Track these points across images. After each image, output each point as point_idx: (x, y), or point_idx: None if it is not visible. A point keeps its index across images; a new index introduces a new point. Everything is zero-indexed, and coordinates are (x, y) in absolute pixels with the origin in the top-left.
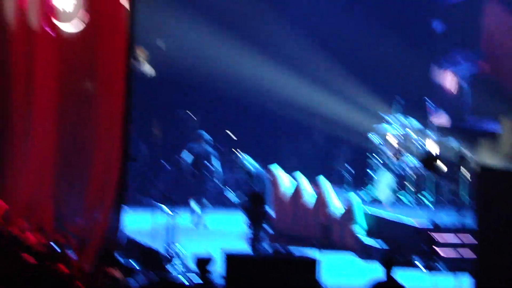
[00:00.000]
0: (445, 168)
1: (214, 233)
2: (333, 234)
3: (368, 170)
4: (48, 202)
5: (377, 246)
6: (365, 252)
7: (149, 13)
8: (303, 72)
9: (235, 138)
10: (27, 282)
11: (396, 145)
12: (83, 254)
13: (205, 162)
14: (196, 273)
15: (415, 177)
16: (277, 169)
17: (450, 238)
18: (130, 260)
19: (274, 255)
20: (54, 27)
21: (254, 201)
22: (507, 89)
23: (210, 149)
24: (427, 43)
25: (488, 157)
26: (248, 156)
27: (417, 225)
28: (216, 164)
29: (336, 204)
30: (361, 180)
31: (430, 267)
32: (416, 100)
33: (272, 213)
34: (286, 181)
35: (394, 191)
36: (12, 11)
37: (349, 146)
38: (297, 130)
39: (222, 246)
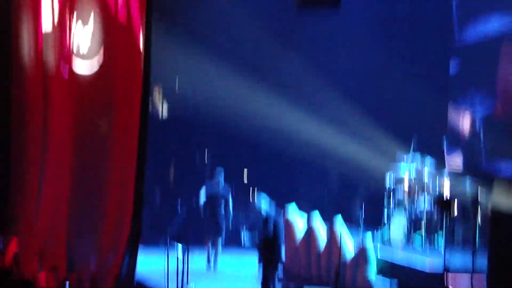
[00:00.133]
0: (459, 211)
1: (227, 275)
2: (345, 277)
3: (383, 209)
4: (61, 242)
5: None
6: None
7: (165, 53)
8: (320, 112)
9: (245, 181)
10: None
11: (411, 185)
12: None
13: (220, 202)
14: None
15: (429, 218)
16: (292, 209)
17: (462, 281)
18: None
19: None
20: (70, 68)
21: (268, 243)
22: None
23: (225, 189)
24: (444, 83)
25: (502, 201)
26: (264, 194)
27: (428, 270)
28: (231, 204)
29: (349, 247)
30: (376, 220)
31: None
32: (433, 140)
33: (285, 255)
34: (300, 222)
35: (408, 232)
36: (28, 52)
37: (365, 185)
38: (313, 169)
39: None
